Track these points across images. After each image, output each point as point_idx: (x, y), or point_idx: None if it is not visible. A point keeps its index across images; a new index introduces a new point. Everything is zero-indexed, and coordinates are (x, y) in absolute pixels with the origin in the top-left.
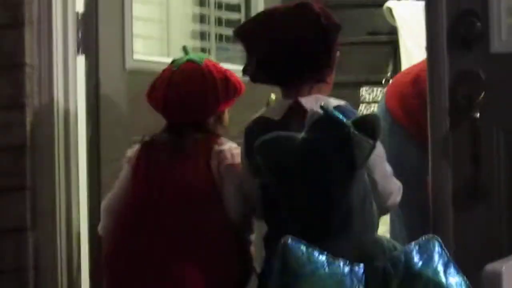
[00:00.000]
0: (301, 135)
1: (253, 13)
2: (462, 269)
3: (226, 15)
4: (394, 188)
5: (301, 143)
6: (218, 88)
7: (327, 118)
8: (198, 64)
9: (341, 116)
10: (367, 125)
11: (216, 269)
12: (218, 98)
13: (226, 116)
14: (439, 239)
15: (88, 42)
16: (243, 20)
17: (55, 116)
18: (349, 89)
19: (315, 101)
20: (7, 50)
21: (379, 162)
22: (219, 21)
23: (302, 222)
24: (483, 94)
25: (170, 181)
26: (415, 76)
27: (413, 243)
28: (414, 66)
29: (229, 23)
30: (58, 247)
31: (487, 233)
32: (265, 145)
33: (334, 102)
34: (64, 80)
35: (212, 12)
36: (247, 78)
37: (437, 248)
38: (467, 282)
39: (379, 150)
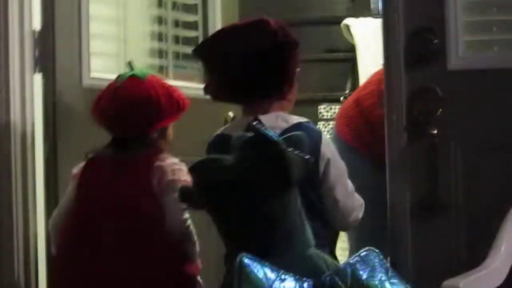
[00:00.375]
0: (231, 156)
1: (211, 30)
2: (421, 283)
3: (183, 33)
4: (356, 205)
5: (232, 164)
6: (160, 103)
7: (258, 137)
8: (141, 79)
9: (271, 134)
10: (293, 143)
11: (156, 284)
12: (160, 113)
13: (170, 131)
14: (378, 251)
15: (45, 60)
16: (200, 38)
17: (12, 135)
18: (307, 107)
19: (275, 118)
20: None
21: (340, 179)
22: (176, 39)
23: (241, 244)
24: (440, 110)
25: (111, 197)
26: (356, 96)
27: (353, 256)
28: (359, 86)
29: (186, 41)
30: (15, 268)
31: (445, 246)
32: (195, 168)
33: (295, 118)
34: (21, 98)
35: (170, 30)
36: (201, 96)
37: (377, 259)
38: None
39: (339, 167)
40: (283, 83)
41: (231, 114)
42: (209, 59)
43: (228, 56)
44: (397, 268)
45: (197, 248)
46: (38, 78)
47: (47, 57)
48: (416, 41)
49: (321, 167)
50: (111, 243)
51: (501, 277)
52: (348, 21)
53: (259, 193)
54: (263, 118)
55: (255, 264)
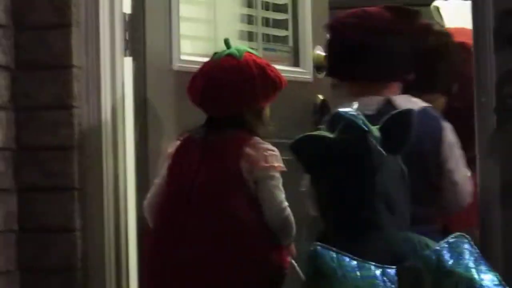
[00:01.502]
0: (332, 135)
1: (300, 13)
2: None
3: (273, 15)
4: (471, 190)
5: (330, 143)
6: (255, 82)
7: (349, 123)
8: (237, 58)
9: (361, 123)
10: (393, 128)
11: (245, 270)
12: (255, 92)
13: (267, 113)
14: (468, 237)
15: (135, 43)
16: (290, 20)
17: (103, 117)
18: None
19: (406, 101)
20: (54, 51)
21: (460, 164)
22: (266, 22)
23: (339, 218)
24: None
25: (198, 180)
26: None
27: (442, 242)
28: None
29: (276, 23)
30: (106, 247)
31: None
32: (295, 145)
33: (422, 103)
34: (112, 81)
35: (260, 13)
36: (291, 78)
37: (466, 246)
38: (499, 278)
39: (459, 153)
40: (409, 68)
41: (321, 97)
42: (345, 37)
43: (371, 32)
44: (488, 250)
45: (294, 233)
46: (128, 61)
47: (138, 40)
48: (506, 22)
49: (443, 151)
50: (197, 226)
51: None
52: (438, 2)
53: (348, 172)
54: (396, 98)
55: (328, 253)
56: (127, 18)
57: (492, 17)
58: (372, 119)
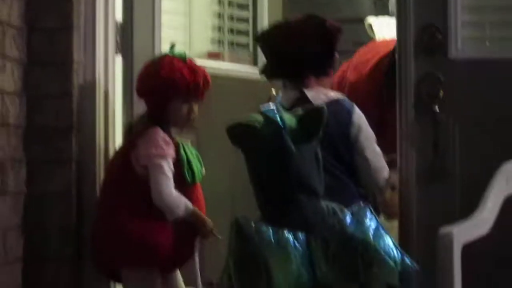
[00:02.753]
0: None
1: (259, 25)
2: (424, 233)
3: (237, 26)
4: (384, 165)
5: (255, 132)
6: (160, 77)
7: (269, 120)
8: (168, 56)
9: (278, 119)
10: (307, 122)
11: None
12: (176, 90)
13: (180, 108)
14: (370, 207)
15: (125, 45)
16: (250, 30)
17: (97, 103)
18: None
19: (317, 93)
20: (59, 49)
21: (369, 142)
22: (231, 31)
23: (261, 194)
24: (442, 92)
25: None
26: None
27: (346, 211)
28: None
29: (239, 32)
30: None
31: (443, 205)
32: (230, 128)
33: (333, 94)
34: (105, 75)
35: (226, 23)
36: (250, 76)
37: (368, 214)
38: (394, 241)
39: (368, 133)
40: (327, 64)
41: (273, 90)
42: (268, 44)
43: (285, 41)
44: (405, 222)
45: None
46: (118, 59)
47: (127, 42)
48: (423, 35)
49: (353, 133)
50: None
51: (487, 226)
52: (370, 19)
53: (271, 154)
54: (308, 92)
55: (248, 222)
56: (118, 24)
57: (412, 31)
58: (288, 110)
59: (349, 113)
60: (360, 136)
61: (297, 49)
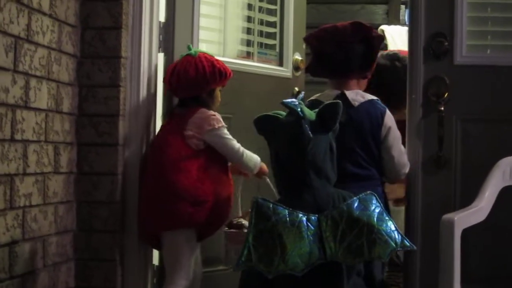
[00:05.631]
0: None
1: (285, 28)
2: (428, 217)
3: (266, 29)
4: (406, 162)
5: (279, 122)
6: (205, 72)
7: (291, 110)
8: (193, 56)
9: (299, 110)
10: (325, 114)
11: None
12: (205, 79)
13: (218, 94)
14: (375, 195)
15: (167, 43)
16: (278, 33)
17: (141, 94)
18: None
19: (356, 94)
20: (108, 45)
21: (395, 142)
22: (260, 33)
23: (279, 179)
24: (447, 93)
25: (159, 139)
26: None
27: (354, 197)
28: None
29: (268, 34)
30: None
31: (446, 192)
32: (257, 120)
33: (369, 96)
34: (148, 70)
35: (256, 26)
36: (277, 74)
37: (373, 201)
38: (395, 225)
39: (396, 134)
40: (368, 68)
41: (296, 89)
42: (316, 45)
43: (333, 44)
44: (412, 206)
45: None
46: (161, 56)
47: (168, 41)
48: (432, 43)
49: (383, 132)
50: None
51: (484, 214)
52: (383, 27)
53: (291, 145)
54: (348, 93)
55: (267, 203)
56: (161, 25)
57: (422, 38)
58: None
59: (382, 115)
60: (389, 136)
61: (345, 53)
